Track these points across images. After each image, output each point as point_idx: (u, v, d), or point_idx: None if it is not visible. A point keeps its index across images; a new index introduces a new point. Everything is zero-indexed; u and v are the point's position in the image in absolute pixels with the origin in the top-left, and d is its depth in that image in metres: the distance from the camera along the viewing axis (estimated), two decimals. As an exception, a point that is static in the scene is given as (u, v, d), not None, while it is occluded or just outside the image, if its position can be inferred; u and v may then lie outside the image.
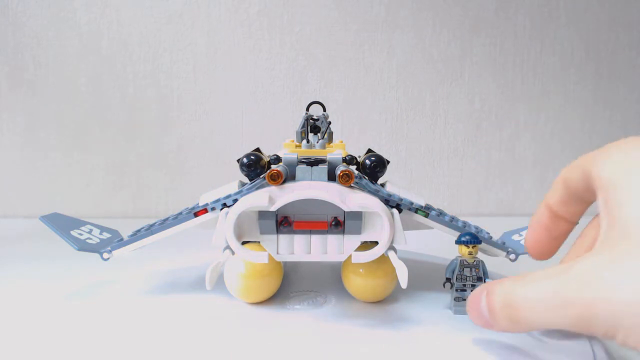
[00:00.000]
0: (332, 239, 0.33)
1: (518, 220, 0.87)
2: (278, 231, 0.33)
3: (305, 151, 0.40)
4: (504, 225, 0.81)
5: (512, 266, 0.39)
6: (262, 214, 0.32)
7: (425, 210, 0.36)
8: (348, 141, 0.86)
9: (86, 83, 0.83)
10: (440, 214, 0.37)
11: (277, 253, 0.33)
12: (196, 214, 0.36)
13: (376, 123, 0.86)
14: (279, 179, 0.32)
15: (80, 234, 0.39)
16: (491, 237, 0.39)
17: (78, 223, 0.41)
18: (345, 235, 0.33)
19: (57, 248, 0.64)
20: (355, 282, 0.37)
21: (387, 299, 0.38)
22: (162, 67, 0.84)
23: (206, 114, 0.85)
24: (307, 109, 0.46)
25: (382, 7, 0.84)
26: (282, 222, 0.32)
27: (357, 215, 0.32)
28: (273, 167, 0.35)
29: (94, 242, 0.38)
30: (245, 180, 0.39)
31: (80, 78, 0.83)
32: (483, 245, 0.37)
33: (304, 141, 0.41)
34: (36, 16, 0.81)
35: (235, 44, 0.84)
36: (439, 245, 0.54)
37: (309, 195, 0.31)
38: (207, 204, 0.36)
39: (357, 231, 0.33)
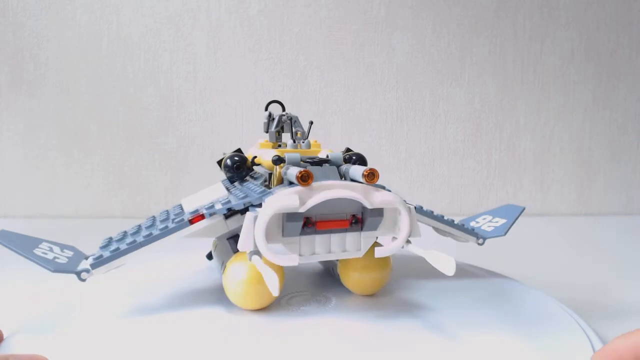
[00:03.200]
0: (351, 237, 0.33)
1: (518, 220, 0.87)
2: (300, 232, 0.32)
3: (299, 151, 0.40)
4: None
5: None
6: (290, 216, 0.31)
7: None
8: (348, 141, 0.86)
9: (86, 83, 0.83)
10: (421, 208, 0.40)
11: (300, 255, 0.32)
12: (191, 221, 0.34)
13: (376, 123, 0.87)
14: (309, 180, 0.31)
15: (45, 253, 0.34)
16: (463, 225, 0.42)
17: (34, 241, 0.35)
18: (362, 233, 0.33)
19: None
20: (354, 278, 0.38)
21: (387, 294, 0.39)
22: (162, 67, 0.84)
23: (206, 114, 0.85)
24: (266, 108, 0.46)
25: (382, 7, 0.84)
26: (305, 223, 0.32)
27: (379, 212, 0.33)
28: (296, 168, 0.33)
29: (63, 262, 0.33)
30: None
31: (80, 78, 0.83)
32: (456, 231, 0.41)
33: (290, 141, 0.41)
34: (36, 16, 0.81)
35: (235, 44, 0.84)
36: (439, 245, 0.54)
37: (338, 194, 0.31)
38: (200, 210, 0.35)
39: (375, 228, 0.33)
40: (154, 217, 0.39)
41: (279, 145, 0.44)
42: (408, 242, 0.34)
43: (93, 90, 0.83)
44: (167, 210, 0.40)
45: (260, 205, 0.32)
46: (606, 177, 0.90)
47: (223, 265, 0.37)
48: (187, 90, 0.84)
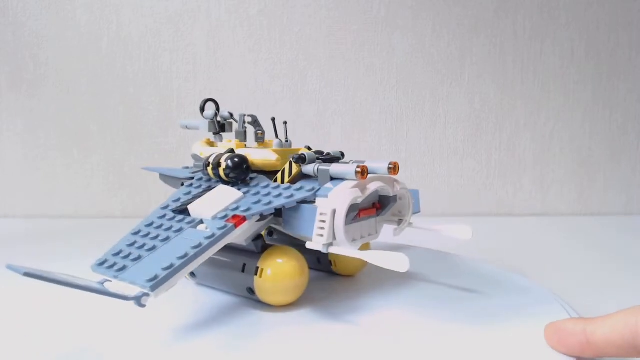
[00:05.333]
0: (373, 222, 0.37)
1: (518, 220, 0.87)
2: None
3: (290, 150, 0.42)
4: (504, 225, 0.81)
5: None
6: (351, 207, 0.34)
7: None
8: (348, 141, 0.86)
9: (86, 83, 0.83)
10: None
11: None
12: (236, 225, 0.33)
13: (376, 123, 0.87)
14: (365, 174, 0.35)
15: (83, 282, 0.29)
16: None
17: (56, 274, 0.30)
18: (377, 217, 0.37)
19: (56, 248, 0.64)
20: (346, 260, 0.43)
21: (379, 279, 0.43)
22: (162, 67, 0.84)
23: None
24: (203, 108, 0.46)
25: (382, 7, 0.84)
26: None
27: (394, 199, 0.38)
28: (349, 165, 0.35)
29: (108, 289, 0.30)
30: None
31: (80, 78, 0.83)
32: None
33: (277, 140, 0.42)
34: (36, 16, 0.81)
35: (235, 44, 0.84)
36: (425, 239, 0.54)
37: (379, 185, 0.36)
38: (228, 213, 0.34)
39: (386, 213, 0.38)
40: (148, 228, 0.36)
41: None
42: (410, 223, 0.39)
43: (93, 90, 0.83)
44: (158, 220, 0.36)
45: (312, 202, 0.34)
46: (606, 177, 0.90)
47: (245, 267, 0.36)
48: (187, 90, 0.84)
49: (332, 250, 0.33)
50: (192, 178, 0.43)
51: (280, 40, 0.84)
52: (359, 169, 0.34)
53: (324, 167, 0.36)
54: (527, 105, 0.88)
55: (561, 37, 0.87)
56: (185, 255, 0.31)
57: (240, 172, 0.38)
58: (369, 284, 0.43)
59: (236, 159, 0.38)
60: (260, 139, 0.44)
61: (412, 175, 0.88)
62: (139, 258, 0.32)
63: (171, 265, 0.30)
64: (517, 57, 0.87)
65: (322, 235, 0.32)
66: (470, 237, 0.34)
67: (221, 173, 0.39)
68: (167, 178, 0.48)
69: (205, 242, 0.32)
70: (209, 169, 0.39)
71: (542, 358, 0.29)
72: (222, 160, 0.39)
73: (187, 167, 0.49)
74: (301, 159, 0.36)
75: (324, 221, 0.33)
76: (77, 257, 0.58)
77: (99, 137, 0.85)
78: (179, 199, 0.39)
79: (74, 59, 0.83)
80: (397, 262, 0.30)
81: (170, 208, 0.38)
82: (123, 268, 0.31)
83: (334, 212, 0.33)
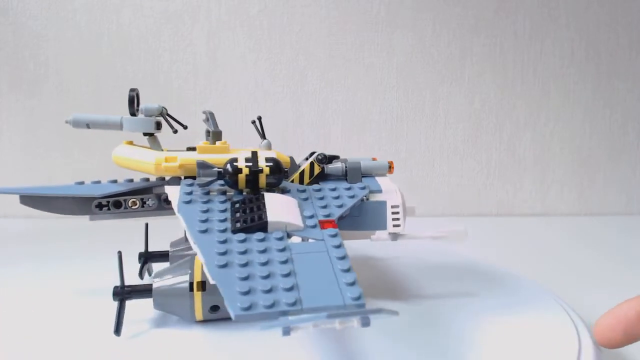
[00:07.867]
0: None
1: (518, 220, 0.87)
2: None
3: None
4: (504, 225, 0.81)
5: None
6: None
7: None
8: (348, 141, 0.86)
9: (86, 83, 0.83)
10: None
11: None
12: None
13: (376, 123, 0.86)
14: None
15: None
16: None
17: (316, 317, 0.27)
18: None
19: (56, 248, 0.64)
20: None
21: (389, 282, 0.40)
22: (162, 67, 0.84)
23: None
24: (134, 103, 0.41)
25: (382, 7, 0.84)
26: None
27: None
28: (383, 161, 0.40)
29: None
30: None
31: (80, 78, 0.83)
32: None
33: (266, 141, 0.41)
34: (36, 16, 0.81)
35: (235, 44, 0.84)
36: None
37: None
38: (313, 218, 0.33)
39: None
40: (229, 256, 0.30)
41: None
42: None
43: (93, 90, 0.83)
44: (229, 246, 0.30)
45: (367, 198, 0.38)
46: (606, 177, 0.90)
47: None
48: (187, 90, 0.84)
49: (401, 237, 0.37)
50: (119, 195, 0.40)
51: (280, 40, 0.84)
52: (390, 165, 0.39)
53: (355, 165, 0.38)
54: (527, 105, 0.88)
55: (561, 37, 0.87)
56: (349, 269, 0.29)
57: (281, 177, 0.35)
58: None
59: (272, 163, 0.35)
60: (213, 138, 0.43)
61: (412, 175, 0.88)
62: (292, 287, 0.28)
63: (354, 281, 0.28)
64: (517, 57, 0.87)
65: (399, 226, 0.37)
66: (466, 237, 0.37)
67: (262, 180, 0.34)
68: (50, 200, 0.39)
69: (345, 252, 0.30)
70: (240, 176, 0.34)
71: (541, 357, 0.29)
72: (264, 165, 0.34)
73: (82, 182, 0.42)
74: (325, 159, 0.38)
75: (397, 212, 0.37)
76: (77, 257, 0.59)
77: (99, 137, 0.84)
78: (206, 220, 0.33)
79: (74, 59, 0.83)
80: (459, 234, 0.36)
81: (218, 229, 0.32)
82: (295, 302, 0.27)
83: (402, 203, 0.37)
